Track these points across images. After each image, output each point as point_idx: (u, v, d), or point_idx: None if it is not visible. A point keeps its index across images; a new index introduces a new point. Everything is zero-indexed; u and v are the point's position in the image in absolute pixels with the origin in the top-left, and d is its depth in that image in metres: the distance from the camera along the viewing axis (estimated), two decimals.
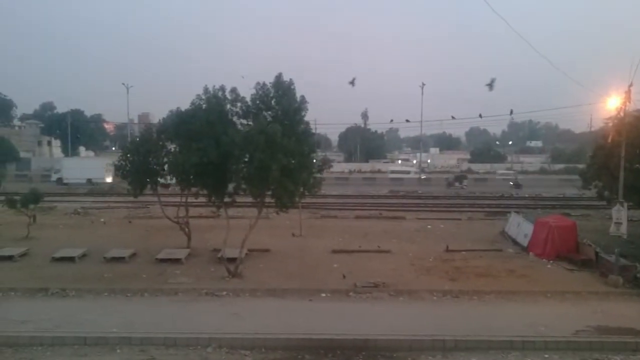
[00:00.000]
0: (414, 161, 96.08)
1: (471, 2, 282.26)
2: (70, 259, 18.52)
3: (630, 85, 17.08)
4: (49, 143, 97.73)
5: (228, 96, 17.11)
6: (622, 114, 18.18)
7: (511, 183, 54.22)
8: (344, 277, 16.84)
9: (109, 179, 53.20)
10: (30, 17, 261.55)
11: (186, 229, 20.68)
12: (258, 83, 16.89)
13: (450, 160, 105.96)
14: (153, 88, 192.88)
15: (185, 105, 17.27)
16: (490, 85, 38.28)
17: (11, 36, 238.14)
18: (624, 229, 16.96)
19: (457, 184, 53.37)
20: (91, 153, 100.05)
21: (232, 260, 17.19)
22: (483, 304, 15.07)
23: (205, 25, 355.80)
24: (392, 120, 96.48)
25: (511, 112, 67.83)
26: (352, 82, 79.85)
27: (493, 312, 14.18)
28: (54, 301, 14.71)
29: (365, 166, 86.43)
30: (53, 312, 13.44)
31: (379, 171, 78.34)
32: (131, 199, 24.25)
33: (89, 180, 52.25)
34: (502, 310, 14.39)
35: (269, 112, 16.80)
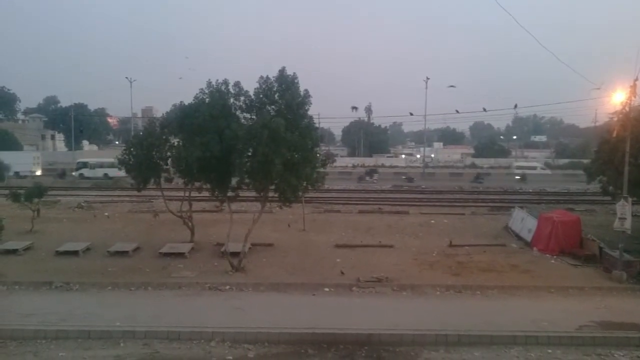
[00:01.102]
0: (418, 155, 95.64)
1: None
2: (74, 253, 18.61)
3: (636, 79, 16.99)
4: (53, 137, 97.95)
5: (231, 90, 17.10)
6: (627, 108, 18.07)
7: (404, 177, 57.94)
8: (342, 273, 16.87)
9: (38, 172, 56.52)
10: (34, 11, 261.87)
11: (189, 223, 20.72)
12: (261, 77, 16.87)
13: (454, 154, 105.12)
14: (156, 82, 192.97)
15: (188, 99, 17.29)
16: (600, 88, 39.01)
17: (15, 30, 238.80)
18: (628, 224, 16.90)
19: (367, 177, 56.62)
20: (95, 147, 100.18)
21: (235, 254, 17.22)
22: (486, 299, 15.08)
23: (208, 17, 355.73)
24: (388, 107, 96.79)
25: (515, 107, 67.92)
26: (452, 86, 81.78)
27: (496, 307, 14.17)
28: (58, 295, 14.79)
29: (369, 160, 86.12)
30: (57, 306, 13.52)
31: (382, 165, 78.22)
32: (135, 193, 24.28)
33: (17, 173, 53.03)
34: (505, 306, 14.38)
35: (273, 106, 16.76)
